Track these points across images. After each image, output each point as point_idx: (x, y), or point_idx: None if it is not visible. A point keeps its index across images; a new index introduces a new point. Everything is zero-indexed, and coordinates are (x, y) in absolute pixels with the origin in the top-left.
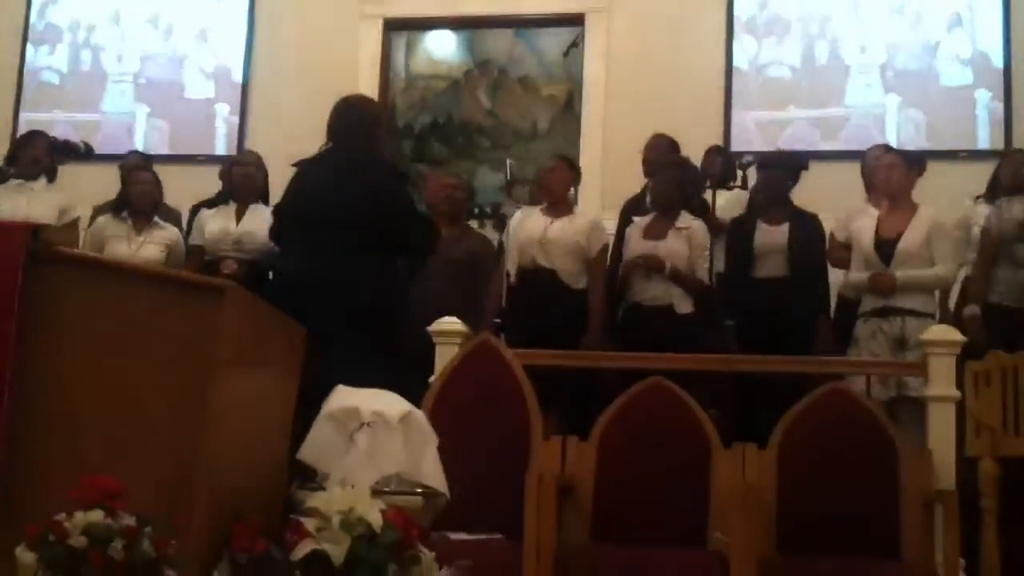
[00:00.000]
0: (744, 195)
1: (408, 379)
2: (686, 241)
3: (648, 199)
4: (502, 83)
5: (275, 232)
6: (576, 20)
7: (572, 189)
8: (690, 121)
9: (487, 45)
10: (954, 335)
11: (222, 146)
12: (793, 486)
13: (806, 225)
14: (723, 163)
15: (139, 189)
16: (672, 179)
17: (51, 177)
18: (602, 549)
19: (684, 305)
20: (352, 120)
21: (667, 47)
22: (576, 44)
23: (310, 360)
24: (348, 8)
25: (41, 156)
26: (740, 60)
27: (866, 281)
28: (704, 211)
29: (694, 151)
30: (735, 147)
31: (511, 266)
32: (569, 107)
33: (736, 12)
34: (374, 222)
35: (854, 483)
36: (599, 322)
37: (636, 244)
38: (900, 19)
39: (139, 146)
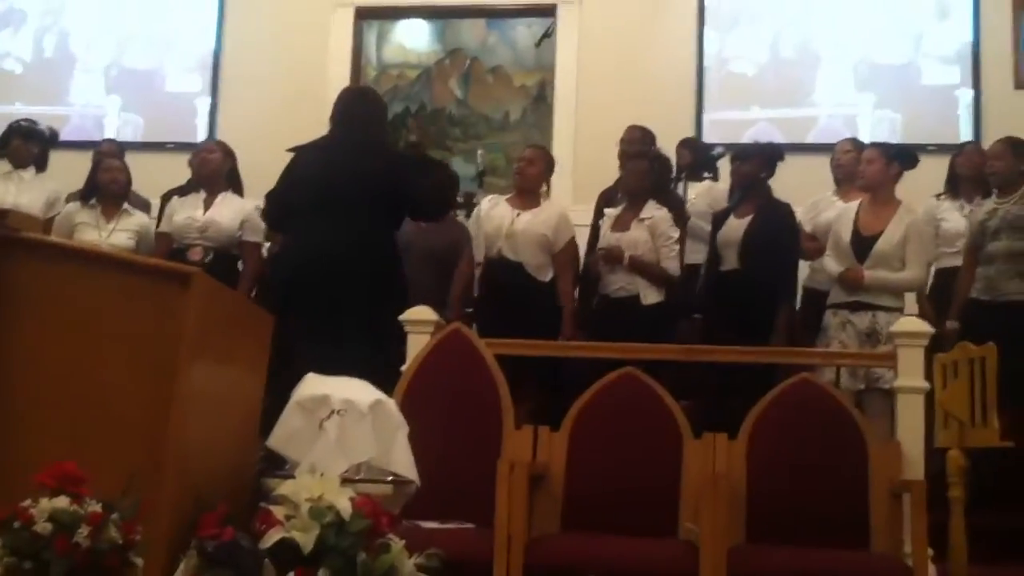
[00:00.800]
0: (719, 187)
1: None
2: (648, 231)
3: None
4: (474, 73)
5: (271, 216)
6: (548, 10)
7: (545, 184)
8: (662, 111)
9: (459, 34)
10: (923, 327)
11: (202, 136)
12: (763, 476)
13: (773, 216)
14: (695, 155)
15: (108, 176)
16: (640, 170)
17: (40, 167)
18: (573, 538)
19: (651, 295)
20: (361, 108)
21: (639, 38)
22: (549, 34)
23: (308, 340)
24: None
25: (28, 146)
26: (707, 54)
27: (836, 276)
28: (680, 203)
29: (667, 142)
30: (708, 139)
31: (479, 256)
32: (541, 97)
33: (707, 2)
34: (385, 202)
35: (823, 473)
36: (571, 314)
37: (605, 236)
38: (878, 10)
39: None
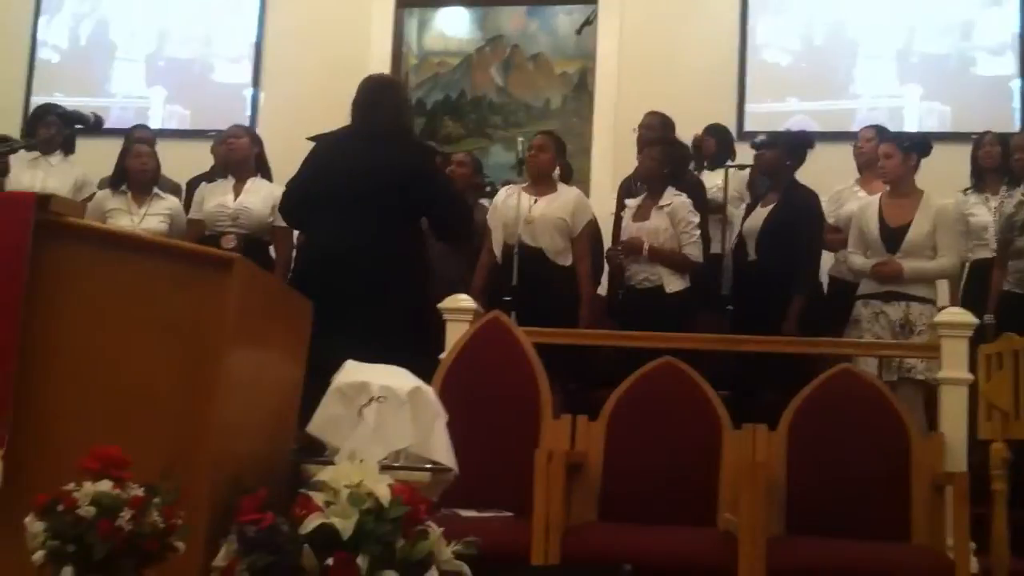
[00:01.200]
0: (742, 175)
1: (431, 351)
2: (668, 218)
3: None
4: (514, 60)
5: (288, 208)
6: None
7: (558, 167)
8: (704, 101)
9: (499, 22)
10: (967, 318)
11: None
12: (803, 467)
13: (795, 204)
14: (717, 143)
15: (137, 162)
16: (656, 157)
17: (68, 151)
18: (610, 528)
19: (674, 283)
20: (382, 97)
21: (681, 26)
22: (590, 22)
23: (333, 333)
24: None
25: (55, 130)
26: (752, 45)
27: (870, 269)
28: (699, 188)
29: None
30: (750, 127)
31: (496, 246)
32: (582, 85)
33: None
34: (409, 194)
35: (864, 465)
36: (589, 296)
37: (627, 227)
38: None
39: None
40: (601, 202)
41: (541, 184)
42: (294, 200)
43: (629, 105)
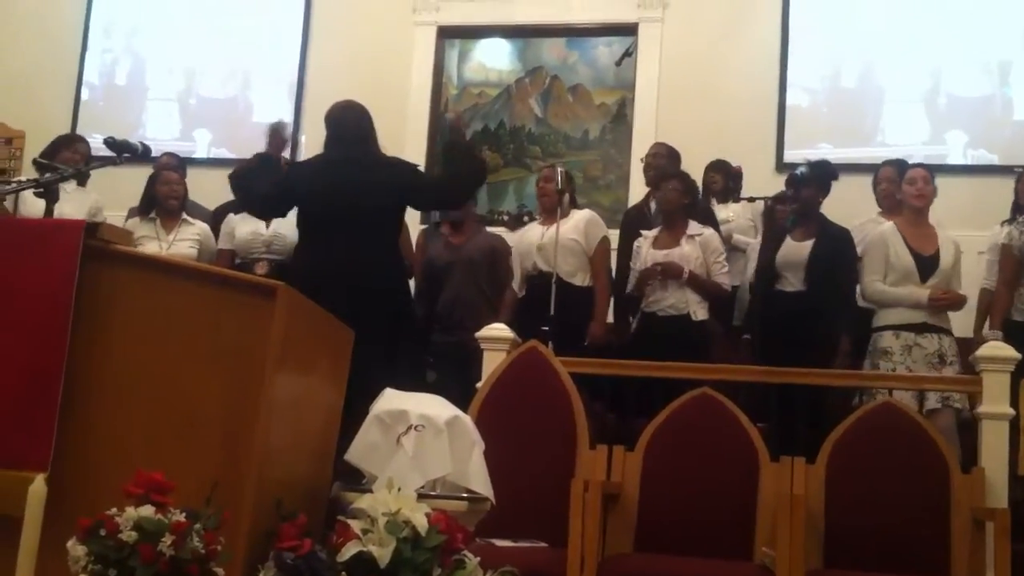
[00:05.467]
0: (752, 207)
1: (421, 368)
2: (701, 247)
3: (652, 209)
4: (554, 91)
5: (268, 198)
6: (629, 29)
7: (566, 196)
8: (742, 133)
9: (539, 53)
10: (1008, 351)
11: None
12: (842, 501)
13: (834, 241)
14: (726, 177)
15: (166, 189)
16: (678, 188)
17: (81, 181)
18: (646, 559)
19: (700, 312)
20: (355, 123)
21: (720, 57)
22: (629, 53)
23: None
24: (402, 16)
25: (78, 160)
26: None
27: (924, 298)
28: (716, 223)
29: (747, 162)
30: (790, 160)
31: (516, 281)
32: (621, 116)
33: (792, 24)
34: (394, 213)
35: (904, 499)
36: (604, 312)
37: (649, 255)
38: (954, 41)
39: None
40: None
41: (552, 214)
42: (271, 199)
43: (667, 136)
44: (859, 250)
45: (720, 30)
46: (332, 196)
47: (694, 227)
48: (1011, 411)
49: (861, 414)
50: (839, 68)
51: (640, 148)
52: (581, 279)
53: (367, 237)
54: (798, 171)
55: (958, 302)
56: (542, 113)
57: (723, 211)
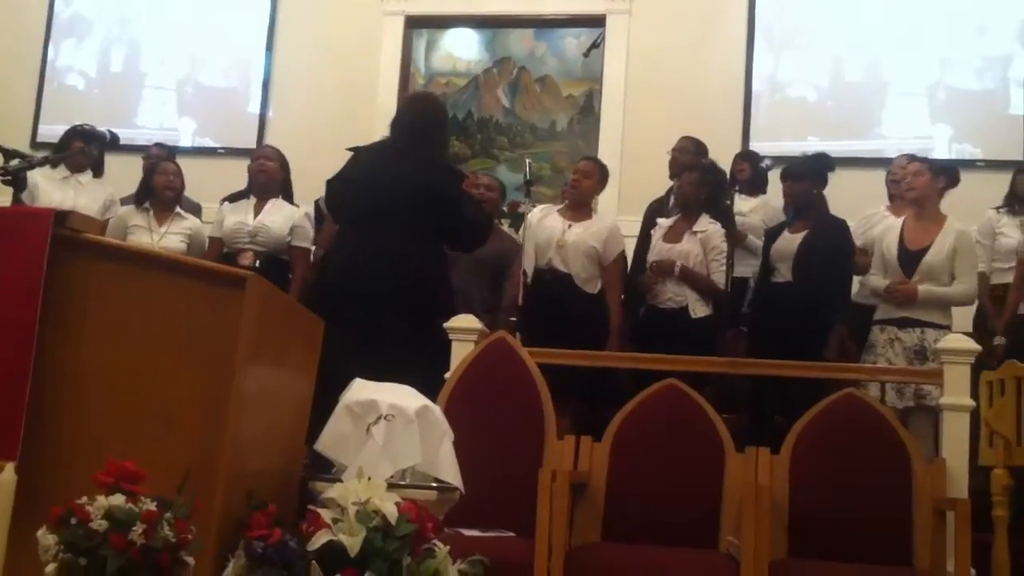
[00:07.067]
0: (774, 204)
1: (442, 370)
2: (700, 244)
3: (671, 200)
4: (522, 82)
5: (334, 202)
6: (597, 21)
7: (598, 194)
8: (710, 128)
9: (507, 44)
10: (969, 344)
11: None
12: (806, 491)
13: (829, 231)
14: (752, 169)
15: (163, 180)
16: (694, 181)
17: (97, 172)
18: (613, 549)
19: (700, 309)
20: (416, 116)
21: (688, 50)
22: (597, 45)
23: (349, 349)
24: (370, 5)
25: (87, 150)
26: (759, 75)
27: (883, 289)
28: (731, 220)
29: (713, 154)
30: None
31: (528, 265)
32: (589, 107)
33: (758, 17)
34: (434, 216)
35: (867, 489)
36: (618, 325)
37: (656, 246)
38: (953, 34)
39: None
40: None
41: (578, 209)
42: (338, 195)
43: (635, 128)
44: (860, 240)
45: (688, 23)
46: (361, 187)
47: (702, 223)
48: (971, 402)
49: (825, 405)
50: (840, 62)
51: (607, 139)
52: (593, 287)
53: (390, 234)
54: (763, 162)
55: (907, 294)
56: (510, 104)
57: (745, 203)
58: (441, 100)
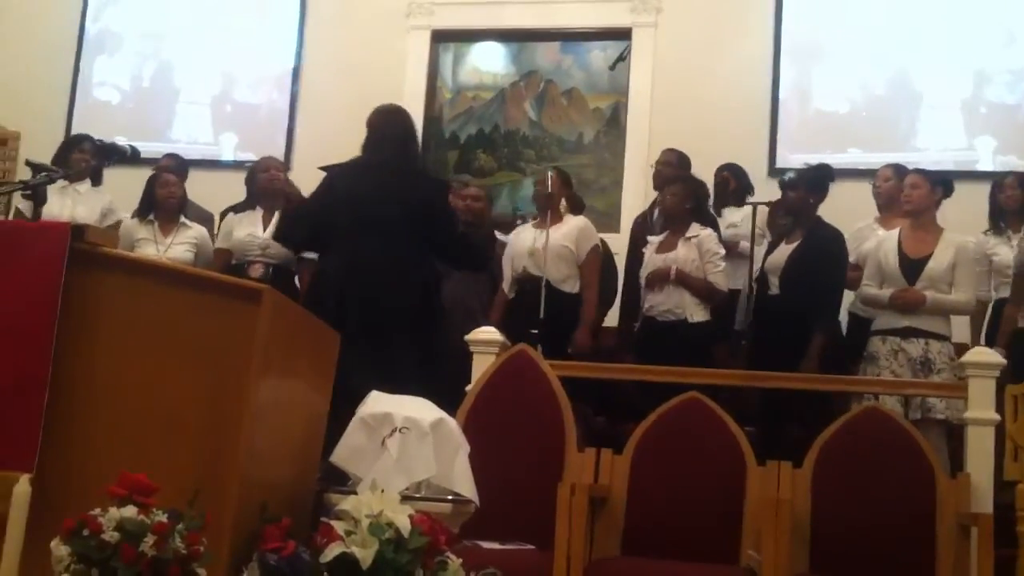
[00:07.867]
0: (760, 211)
1: (443, 380)
2: (695, 248)
3: (656, 213)
4: (548, 95)
5: (286, 232)
6: (623, 34)
7: (563, 200)
8: (737, 137)
9: (534, 57)
10: (994, 357)
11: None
12: (828, 505)
13: (819, 242)
14: (736, 180)
15: (164, 192)
16: (678, 193)
17: (96, 181)
18: (633, 562)
19: (697, 314)
20: (394, 129)
21: (714, 63)
22: (623, 58)
23: (350, 361)
24: (396, 20)
25: (87, 160)
26: (786, 87)
27: (887, 297)
28: (716, 226)
29: (742, 166)
30: (783, 165)
31: (505, 282)
32: (615, 120)
33: (784, 31)
34: (422, 227)
35: (890, 504)
36: (590, 319)
37: (650, 260)
38: (988, 45)
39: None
40: None
41: (548, 217)
42: (296, 226)
43: (661, 140)
44: (853, 256)
45: (713, 35)
46: (350, 202)
47: (693, 229)
48: (997, 416)
49: (847, 419)
50: (869, 74)
51: (634, 152)
52: (571, 286)
53: (386, 245)
54: (786, 176)
55: (915, 301)
56: (536, 117)
57: (735, 214)
58: (405, 109)
